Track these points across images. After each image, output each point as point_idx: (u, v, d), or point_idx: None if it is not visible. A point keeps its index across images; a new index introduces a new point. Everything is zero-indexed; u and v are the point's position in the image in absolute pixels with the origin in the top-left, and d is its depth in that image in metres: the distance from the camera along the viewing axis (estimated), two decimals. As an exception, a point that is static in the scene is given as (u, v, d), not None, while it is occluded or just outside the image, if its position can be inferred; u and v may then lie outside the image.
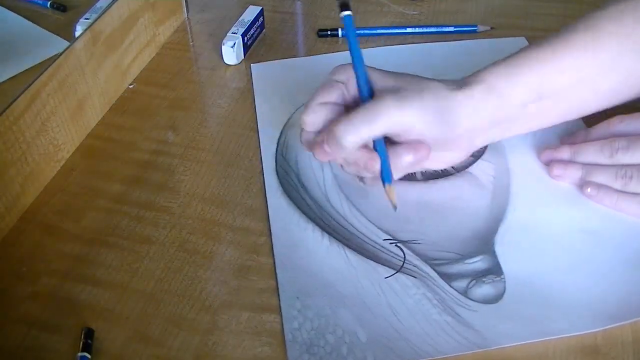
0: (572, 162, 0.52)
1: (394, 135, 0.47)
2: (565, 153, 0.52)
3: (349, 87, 0.48)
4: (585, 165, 0.51)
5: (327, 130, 0.46)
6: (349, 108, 0.48)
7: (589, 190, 0.50)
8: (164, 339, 0.44)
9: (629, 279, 0.45)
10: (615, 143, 0.50)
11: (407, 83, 0.46)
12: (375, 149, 0.47)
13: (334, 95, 0.48)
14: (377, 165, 0.47)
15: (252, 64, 0.68)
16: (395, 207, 0.47)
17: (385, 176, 0.47)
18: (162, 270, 0.48)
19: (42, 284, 0.47)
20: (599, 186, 0.50)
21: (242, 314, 0.45)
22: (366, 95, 0.47)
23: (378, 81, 0.47)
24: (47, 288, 0.47)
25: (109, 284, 0.47)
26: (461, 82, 0.47)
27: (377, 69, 0.48)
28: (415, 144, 0.47)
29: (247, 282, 0.47)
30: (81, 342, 0.43)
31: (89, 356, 0.42)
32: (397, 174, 0.48)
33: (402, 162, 0.47)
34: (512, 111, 0.47)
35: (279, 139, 0.58)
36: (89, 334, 0.43)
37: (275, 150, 0.57)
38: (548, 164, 0.53)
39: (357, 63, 0.48)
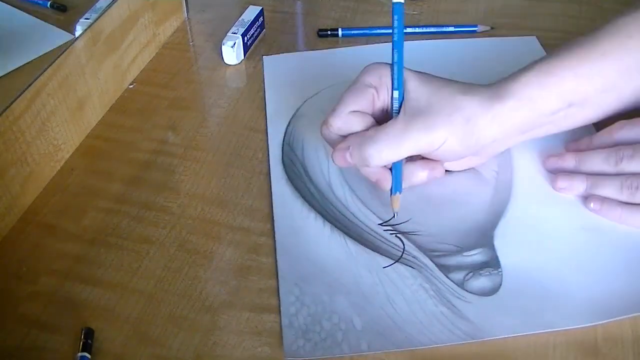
0: (577, 174, 0.51)
1: (420, 153, 0.48)
2: (570, 162, 0.52)
3: (380, 93, 0.48)
4: (590, 176, 0.50)
5: (352, 144, 0.47)
6: (376, 115, 0.49)
7: (592, 205, 0.49)
8: (164, 339, 0.44)
9: (627, 274, 0.45)
10: (621, 151, 0.49)
11: (439, 100, 0.46)
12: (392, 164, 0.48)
13: (363, 103, 0.48)
14: (387, 185, 0.48)
15: (264, 56, 0.68)
16: (395, 215, 0.49)
17: (395, 186, 0.48)
18: (162, 270, 0.48)
19: (42, 284, 0.47)
20: (603, 200, 0.49)
21: (242, 314, 0.45)
22: (397, 110, 0.47)
23: (412, 91, 0.47)
24: (47, 288, 0.47)
25: (109, 284, 0.47)
26: (493, 94, 0.47)
27: (414, 72, 0.48)
28: (431, 162, 0.49)
29: (247, 282, 0.47)
30: (81, 342, 0.43)
31: (89, 356, 0.42)
32: (406, 185, 0.49)
33: (416, 178, 0.49)
34: (541, 119, 0.47)
35: (286, 129, 0.59)
36: (89, 334, 0.43)
37: (282, 139, 0.58)
38: (553, 171, 0.52)
39: (398, 72, 0.47)
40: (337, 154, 0.48)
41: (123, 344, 0.43)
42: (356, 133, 0.48)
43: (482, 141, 0.47)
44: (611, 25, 0.47)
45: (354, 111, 0.48)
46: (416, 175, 0.49)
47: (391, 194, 0.49)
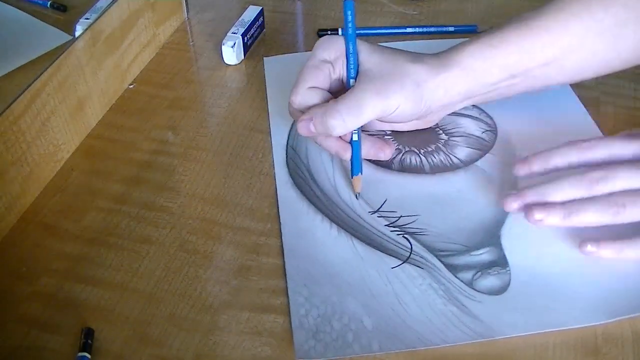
0: (552, 205, 0.46)
1: (377, 118, 0.50)
2: (537, 198, 0.47)
3: (336, 66, 0.51)
4: (566, 203, 0.46)
5: (315, 115, 0.49)
6: (333, 87, 0.52)
7: (588, 247, 0.46)
8: (164, 339, 0.44)
9: (634, 273, 0.45)
10: (591, 174, 0.46)
11: (390, 68, 0.49)
12: (350, 140, 0.51)
13: (320, 79, 0.51)
14: (347, 155, 0.51)
15: (264, 57, 0.68)
16: (357, 196, 0.52)
17: (354, 169, 0.51)
18: (162, 270, 0.48)
19: (42, 284, 0.47)
20: (597, 241, 0.46)
21: (242, 314, 0.45)
22: (352, 79, 0.51)
23: (365, 62, 0.50)
24: (47, 288, 0.47)
25: (109, 284, 0.47)
26: (440, 62, 0.50)
27: (365, 43, 0.51)
28: (381, 143, 0.52)
29: (247, 282, 0.47)
30: (81, 342, 0.43)
31: (89, 356, 0.42)
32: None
33: (363, 152, 0.52)
34: (485, 88, 0.51)
35: (289, 132, 0.59)
36: (89, 334, 0.43)
37: (286, 142, 0.58)
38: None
39: (350, 45, 0.50)
40: (301, 124, 0.50)
41: (123, 344, 0.43)
42: (317, 105, 0.50)
43: (431, 105, 0.50)
44: (557, 2, 0.49)
45: (312, 87, 0.51)
46: (364, 149, 0.52)
47: (352, 176, 0.52)
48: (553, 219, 0.46)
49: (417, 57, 0.50)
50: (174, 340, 0.44)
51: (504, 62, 0.49)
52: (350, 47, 0.50)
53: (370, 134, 0.54)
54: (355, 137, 0.51)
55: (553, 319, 0.43)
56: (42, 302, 0.46)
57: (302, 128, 0.50)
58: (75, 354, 0.42)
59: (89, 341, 0.43)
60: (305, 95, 0.51)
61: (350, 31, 0.51)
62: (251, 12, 0.70)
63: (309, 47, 0.70)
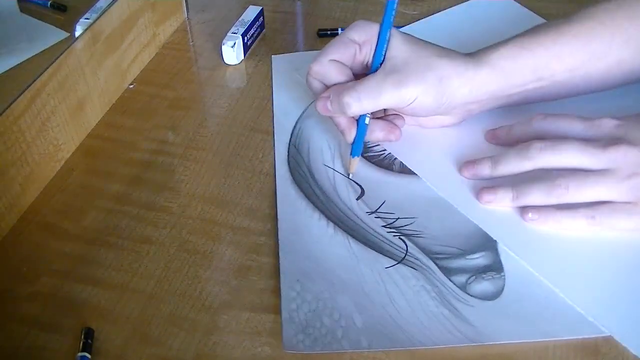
0: (500, 186, 0.50)
1: (395, 107, 0.51)
2: (485, 167, 0.51)
3: (363, 49, 0.52)
4: (514, 185, 0.49)
5: (333, 92, 0.51)
6: (355, 68, 0.53)
7: (530, 215, 0.48)
8: (164, 339, 0.44)
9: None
10: (534, 144, 0.48)
11: (415, 60, 0.50)
12: (358, 122, 0.52)
13: (345, 55, 0.52)
14: (350, 137, 0.52)
15: (272, 55, 0.68)
16: (349, 175, 0.53)
17: (354, 150, 0.53)
18: (162, 270, 0.48)
19: (42, 284, 0.47)
20: (539, 209, 0.48)
21: (242, 314, 0.45)
22: (378, 66, 0.51)
23: (393, 48, 0.50)
24: (47, 288, 0.47)
25: (109, 284, 0.47)
26: (470, 61, 0.50)
27: (399, 32, 0.52)
28: (390, 125, 0.53)
29: (247, 282, 0.47)
30: (81, 342, 0.43)
31: (89, 356, 0.42)
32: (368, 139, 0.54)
33: (372, 136, 0.54)
34: (512, 89, 0.51)
35: (293, 130, 0.59)
36: (89, 334, 0.43)
37: (288, 140, 0.58)
38: (471, 178, 0.52)
39: (384, 32, 0.50)
40: (320, 102, 0.51)
41: (123, 344, 0.43)
42: (337, 84, 0.51)
43: (453, 100, 0.50)
44: (584, 11, 0.51)
45: (334, 60, 0.51)
46: (374, 134, 0.53)
47: (351, 156, 0.53)
48: (502, 202, 0.50)
49: (446, 52, 0.51)
50: (174, 340, 0.44)
51: (533, 64, 0.50)
52: (383, 35, 0.50)
53: (379, 118, 0.54)
54: (367, 121, 0.52)
55: (545, 329, 0.43)
56: (42, 302, 0.46)
57: (320, 105, 0.51)
58: (75, 354, 0.42)
59: (89, 341, 0.43)
60: (325, 66, 0.51)
61: (386, 22, 0.50)
62: (251, 12, 0.70)
63: (309, 47, 0.70)
